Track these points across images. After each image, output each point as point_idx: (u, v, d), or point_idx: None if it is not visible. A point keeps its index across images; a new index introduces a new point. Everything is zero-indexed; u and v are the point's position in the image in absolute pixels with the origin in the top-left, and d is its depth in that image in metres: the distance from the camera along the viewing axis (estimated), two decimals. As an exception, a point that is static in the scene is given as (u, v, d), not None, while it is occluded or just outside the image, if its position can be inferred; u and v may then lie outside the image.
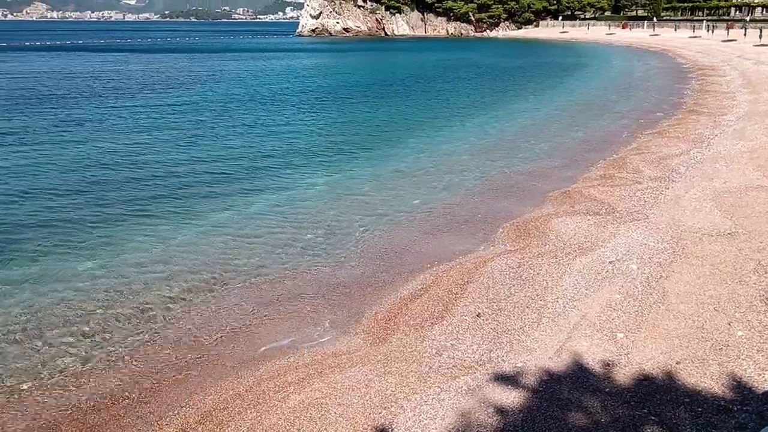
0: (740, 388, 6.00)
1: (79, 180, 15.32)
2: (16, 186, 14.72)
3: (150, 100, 30.47)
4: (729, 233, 10.17)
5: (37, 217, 12.42)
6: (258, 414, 6.14)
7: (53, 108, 27.48)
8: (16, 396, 6.70)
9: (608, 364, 6.51)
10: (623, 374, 6.33)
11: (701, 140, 18.37)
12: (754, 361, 6.42)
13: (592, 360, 6.62)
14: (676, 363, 6.46)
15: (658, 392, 6.00)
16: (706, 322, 7.28)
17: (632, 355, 6.67)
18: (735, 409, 5.69)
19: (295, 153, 18.74)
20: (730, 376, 6.18)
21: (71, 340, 7.79)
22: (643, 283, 8.44)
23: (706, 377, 6.20)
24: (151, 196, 13.91)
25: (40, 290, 9.16)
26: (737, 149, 16.69)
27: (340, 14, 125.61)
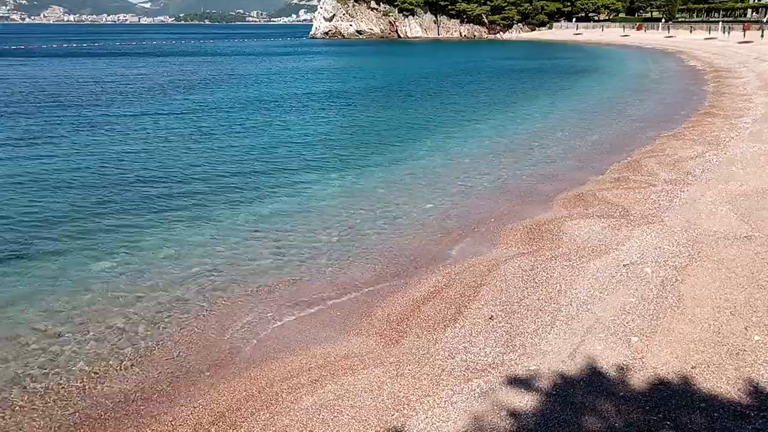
0: (757, 394, 5.93)
1: (94, 181, 15.47)
2: (33, 187, 14.90)
3: (165, 103, 30.72)
4: (745, 237, 10.07)
5: (53, 218, 12.55)
6: (271, 415, 6.16)
7: (69, 111, 27.78)
8: (32, 396, 6.77)
9: (623, 368, 6.47)
10: (638, 378, 6.28)
11: (717, 143, 18.19)
12: (772, 367, 6.35)
13: (607, 364, 6.58)
14: (692, 367, 6.40)
15: (673, 397, 5.95)
16: (722, 326, 7.21)
17: (647, 359, 6.62)
18: (752, 414, 5.63)
19: (308, 155, 18.79)
20: (746, 381, 6.12)
21: (86, 340, 7.87)
22: (658, 286, 8.37)
23: (722, 382, 6.14)
24: (165, 197, 14.02)
25: (56, 291, 9.26)
26: (754, 152, 16.52)
27: (353, 17, 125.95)
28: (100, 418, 6.38)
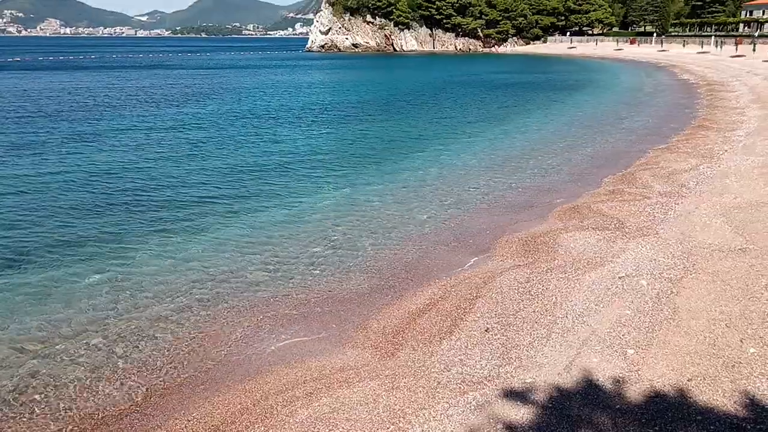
0: (753, 406, 5.92)
1: (89, 194, 15.44)
2: (28, 200, 14.85)
3: (159, 117, 30.76)
4: (740, 249, 10.10)
5: (47, 231, 12.50)
6: (265, 428, 6.12)
7: (64, 125, 27.79)
8: (25, 407, 6.71)
9: (618, 381, 6.45)
10: (634, 391, 6.26)
11: (711, 155, 18.30)
12: None
13: (602, 376, 6.57)
14: (688, 380, 6.39)
15: (669, 410, 5.93)
16: (717, 338, 7.21)
17: (643, 371, 6.61)
18: (748, 427, 5.62)
19: (303, 168, 18.82)
20: (742, 394, 6.11)
21: (80, 352, 7.81)
22: (654, 298, 8.38)
23: (718, 395, 6.13)
24: (160, 210, 13.99)
25: (50, 302, 9.21)
26: (747, 164, 16.62)
27: (349, 30, 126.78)
28: (92, 430, 6.31)
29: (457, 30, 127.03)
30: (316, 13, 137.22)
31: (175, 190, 15.89)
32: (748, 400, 6.00)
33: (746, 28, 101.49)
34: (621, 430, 5.66)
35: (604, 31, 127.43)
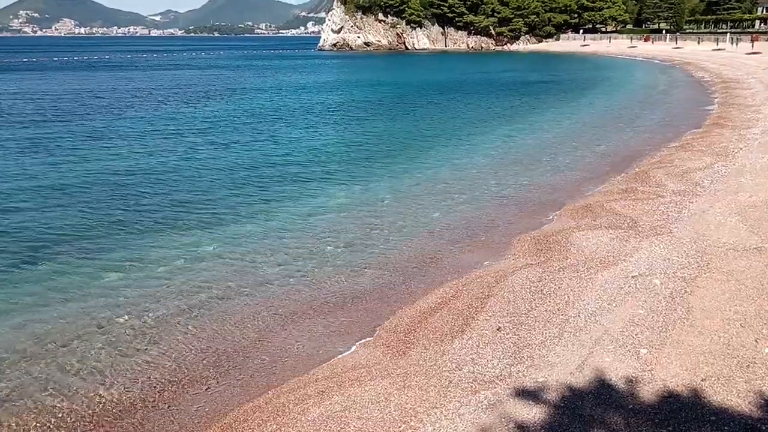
0: (768, 407, 5.86)
1: (103, 192, 15.56)
2: (42, 197, 15.00)
3: (174, 115, 30.95)
4: (755, 248, 9.99)
5: (62, 229, 12.62)
6: (278, 426, 6.14)
7: (80, 122, 28.03)
8: (38, 406, 6.78)
9: (631, 381, 6.41)
10: (647, 391, 6.22)
11: (726, 154, 18.11)
12: (783, 379, 6.28)
13: (615, 376, 6.53)
14: (702, 380, 6.34)
15: (682, 410, 5.89)
16: (732, 338, 7.14)
17: (656, 371, 6.56)
18: (763, 428, 5.56)
19: (315, 166, 18.85)
20: (757, 394, 6.05)
21: (94, 350, 7.89)
22: (667, 298, 8.32)
23: (732, 395, 6.07)
24: (174, 209, 14.07)
25: (65, 301, 9.30)
26: (763, 162, 16.42)
27: (361, 29, 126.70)
28: (104, 427, 6.38)
29: (469, 28, 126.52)
30: (328, 11, 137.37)
31: (188, 189, 15.98)
32: (763, 401, 5.94)
33: (762, 24, 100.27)
34: (634, 431, 5.62)
35: (618, 28, 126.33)
